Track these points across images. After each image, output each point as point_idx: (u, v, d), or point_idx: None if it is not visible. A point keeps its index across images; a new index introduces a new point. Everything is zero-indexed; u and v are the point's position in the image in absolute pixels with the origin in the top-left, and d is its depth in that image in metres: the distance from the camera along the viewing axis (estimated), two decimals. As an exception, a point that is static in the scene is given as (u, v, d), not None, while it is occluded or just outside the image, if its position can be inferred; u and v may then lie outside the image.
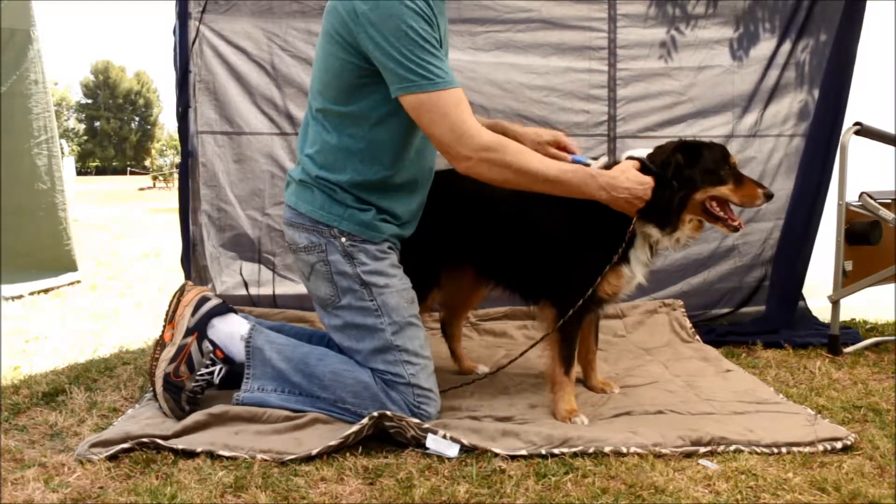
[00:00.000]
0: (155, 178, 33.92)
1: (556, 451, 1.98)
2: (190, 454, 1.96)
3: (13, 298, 4.39)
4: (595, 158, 2.36)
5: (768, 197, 2.15)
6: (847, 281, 3.20)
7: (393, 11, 1.94)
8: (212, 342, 2.25)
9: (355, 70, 2.06)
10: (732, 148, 3.54)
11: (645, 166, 2.18)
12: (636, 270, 2.31)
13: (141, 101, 77.69)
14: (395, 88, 2.00)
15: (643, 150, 2.26)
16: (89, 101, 76.01)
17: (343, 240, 2.19)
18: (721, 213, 2.20)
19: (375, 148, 2.15)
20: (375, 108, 2.10)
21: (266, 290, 3.45)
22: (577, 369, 2.42)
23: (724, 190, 2.17)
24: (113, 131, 74.39)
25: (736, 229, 2.19)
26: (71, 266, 5.05)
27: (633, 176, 2.13)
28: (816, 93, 3.53)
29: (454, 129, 2.00)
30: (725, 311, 3.59)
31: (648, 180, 2.14)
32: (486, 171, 2.05)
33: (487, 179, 2.09)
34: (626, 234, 2.20)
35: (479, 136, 2.02)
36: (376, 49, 1.97)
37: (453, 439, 2.00)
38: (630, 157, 2.23)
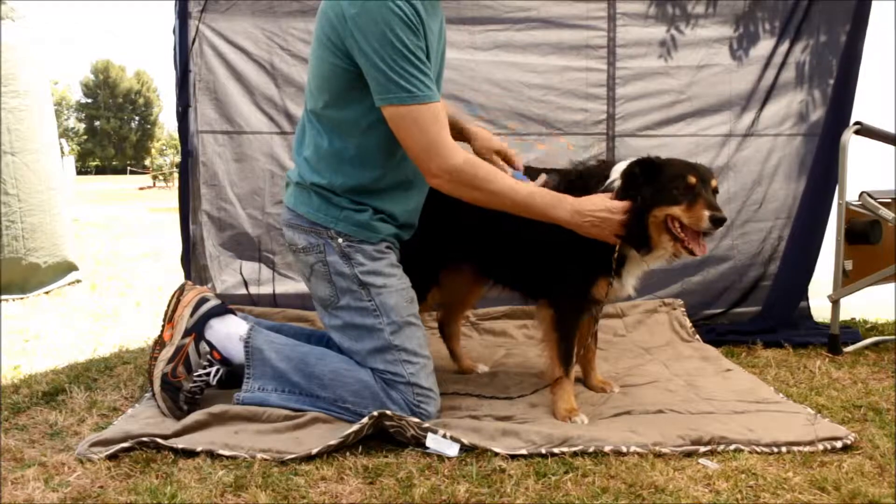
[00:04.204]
0: (155, 177, 33.87)
1: (556, 450, 1.98)
2: (190, 453, 1.96)
3: (13, 298, 4.39)
4: (535, 174, 2.33)
5: (715, 222, 1.99)
6: (847, 280, 3.20)
7: (380, 17, 1.93)
8: (209, 343, 2.25)
9: (346, 75, 2.07)
10: (730, 147, 3.56)
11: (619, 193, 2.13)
12: (627, 283, 2.31)
13: (141, 101, 77.68)
14: (377, 98, 2.02)
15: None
16: (89, 101, 76.02)
17: (340, 241, 2.19)
18: (680, 234, 2.08)
19: (366, 153, 2.16)
20: (365, 115, 2.10)
21: (266, 289, 3.45)
22: (576, 368, 2.42)
23: (676, 210, 2.06)
24: (113, 131, 74.39)
25: (691, 253, 2.07)
26: (71, 266, 5.05)
27: (599, 202, 2.10)
28: (817, 93, 3.54)
29: (429, 147, 2.02)
30: (721, 310, 3.59)
31: (619, 205, 2.09)
32: (453, 189, 2.09)
33: (456, 196, 2.11)
34: (613, 251, 2.18)
35: (452, 156, 2.03)
36: (361, 55, 1.98)
37: (453, 439, 2.00)
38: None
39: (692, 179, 2.07)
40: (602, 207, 2.09)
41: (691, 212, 2.05)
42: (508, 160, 2.40)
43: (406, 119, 2.00)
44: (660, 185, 2.09)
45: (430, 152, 2.03)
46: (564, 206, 2.09)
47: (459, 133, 2.49)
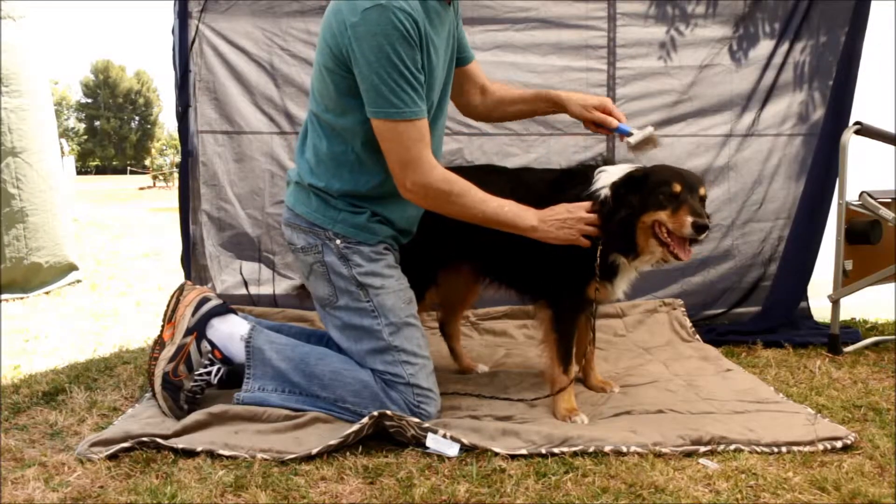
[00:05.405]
0: (155, 177, 33.82)
1: (556, 450, 1.98)
2: (190, 453, 1.96)
3: (14, 298, 4.39)
4: (640, 128, 2.30)
5: (697, 228, 2.04)
6: (847, 280, 3.20)
7: (379, 29, 1.94)
8: (210, 342, 2.25)
9: (343, 83, 2.08)
10: (731, 147, 3.55)
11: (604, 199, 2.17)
12: (617, 286, 2.34)
13: (141, 101, 77.64)
14: (367, 109, 2.05)
15: (619, 168, 2.24)
16: (89, 101, 75.99)
17: (338, 242, 2.20)
18: (666, 239, 2.12)
19: (363, 160, 2.18)
20: (362, 123, 2.11)
21: (266, 290, 3.45)
22: (575, 368, 2.42)
23: (662, 215, 2.11)
24: (113, 131, 74.36)
25: (676, 258, 2.12)
26: (72, 266, 5.05)
27: (562, 206, 2.17)
28: (817, 94, 3.54)
29: (407, 163, 2.06)
30: (721, 310, 3.58)
31: (578, 204, 2.17)
32: (426, 204, 2.16)
33: (430, 209, 2.19)
34: (604, 257, 2.21)
35: (427, 174, 2.07)
36: (356, 64, 2.00)
37: (453, 439, 2.00)
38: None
39: (678, 186, 2.12)
40: (561, 209, 2.17)
41: (675, 218, 2.09)
42: (609, 113, 2.34)
43: (391, 133, 2.03)
44: (647, 191, 2.13)
45: (407, 168, 2.06)
46: (531, 214, 2.15)
47: (550, 101, 2.45)
